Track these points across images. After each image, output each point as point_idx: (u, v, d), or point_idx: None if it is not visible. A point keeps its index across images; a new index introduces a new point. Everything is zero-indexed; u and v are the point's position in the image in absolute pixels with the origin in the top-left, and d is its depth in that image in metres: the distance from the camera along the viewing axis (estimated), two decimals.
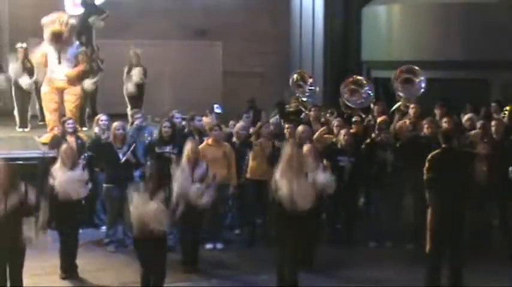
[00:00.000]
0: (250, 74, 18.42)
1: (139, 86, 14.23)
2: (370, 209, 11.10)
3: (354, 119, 11.52)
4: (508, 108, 12.75)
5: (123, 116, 13.11)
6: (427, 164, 8.67)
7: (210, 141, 10.40)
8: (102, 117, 11.19)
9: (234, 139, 11.02)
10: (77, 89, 12.77)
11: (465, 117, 11.56)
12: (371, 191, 10.99)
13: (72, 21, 12.78)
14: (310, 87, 13.26)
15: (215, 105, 13.51)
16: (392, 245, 10.53)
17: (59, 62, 12.49)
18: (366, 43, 17.32)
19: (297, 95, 13.25)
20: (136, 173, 10.36)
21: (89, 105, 14.82)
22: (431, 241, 8.70)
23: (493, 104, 13.11)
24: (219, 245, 10.45)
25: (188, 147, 9.50)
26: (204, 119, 11.73)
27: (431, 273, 8.72)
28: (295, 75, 13.45)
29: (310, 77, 13.60)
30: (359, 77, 13.13)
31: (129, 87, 14.14)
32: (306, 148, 9.32)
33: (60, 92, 12.64)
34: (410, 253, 10.04)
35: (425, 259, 8.78)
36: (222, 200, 10.39)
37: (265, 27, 18.64)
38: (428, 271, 8.74)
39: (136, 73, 14.11)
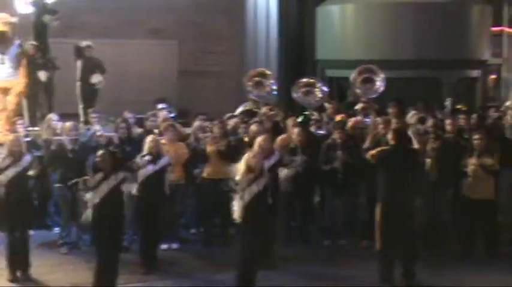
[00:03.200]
0: (206, 73, 18.38)
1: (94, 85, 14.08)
2: (324, 207, 11.17)
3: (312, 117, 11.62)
4: (459, 107, 12.99)
5: (75, 116, 12.97)
6: (374, 160, 8.87)
7: (164, 140, 10.37)
8: (53, 117, 11.07)
9: (191, 139, 11.04)
10: (19, 87, 12.60)
11: (409, 115, 11.74)
12: (325, 189, 11.05)
13: (14, 19, 12.63)
14: (272, 86, 13.19)
15: (160, 104, 13.40)
16: (347, 243, 10.61)
17: (2, 62, 12.36)
18: (320, 42, 17.42)
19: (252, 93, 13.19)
20: None
21: (45, 105, 14.57)
22: (380, 238, 8.82)
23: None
24: (174, 245, 10.42)
25: (149, 140, 9.58)
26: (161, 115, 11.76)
27: (384, 270, 8.84)
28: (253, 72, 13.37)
29: (270, 76, 13.49)
30: (310, 80, 13.09)
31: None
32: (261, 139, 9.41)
33: (4, 92, 12.49)
34: (364, 250, 10.13)
35: (377, 256, 8.89)
36: (177, 199, 10.38)
37: (221, 27, 18.62)
38: (381, 268, 8.86)
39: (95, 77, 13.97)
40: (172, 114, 12.41)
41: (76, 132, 10.30)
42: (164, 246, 10.23)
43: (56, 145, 10.34)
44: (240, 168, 8.29)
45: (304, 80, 12.82)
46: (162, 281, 9.15)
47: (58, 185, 10.17)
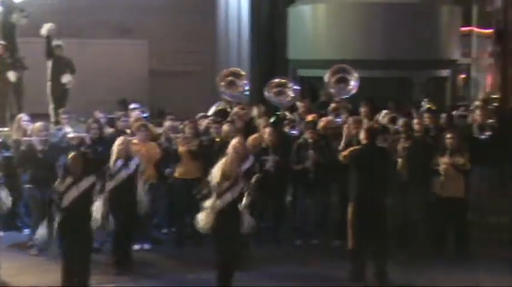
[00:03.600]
0: (177, 73, 18.29)
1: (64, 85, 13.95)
2: (296, 207, 11.18)
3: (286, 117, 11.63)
4: (428, 106, 13.08)
5: (45, 116, 12.85)
6: (347, 160, 8.91)
7: (135, 140, 10.31)
8: (23, 117, 10.96)
9: (163, 139, 11.00)
10: None
11: (382, 114, 11.80)
12: (297, 189, 11.07)
13: None
14: (245, 87, 13.13)
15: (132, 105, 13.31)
16: (319, 243, 10.64)
17: None
18: (292, 42, 17.43)
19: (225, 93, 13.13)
20: None
21: (14, 105, 14.40)
22: (352, 237, 8.86)
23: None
24: (146, 246, 10.37)
25: (118, 143, 9.54)
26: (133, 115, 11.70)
27: (356, 269, 8.88)
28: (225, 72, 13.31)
29: (243, 76, 13.43)
30: (282, 80, 13.04)
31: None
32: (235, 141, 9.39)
33: None
34: (336, 249, 10.16)
35: (349, 255, 8.93)
36: (149, 199, 10.34)
37: (192, 26, 18.53)
38: (353, 267, 8.90)
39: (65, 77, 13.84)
40: (145, 114, 12.32)
41: (46, 133, 10.19)
42: (136, 247, 10.18)
43: (25, 145, 10.23)
44: (215, 175, 8.25)
45: (276, 80, 12.80)
46: (134, 281, 9.11)
47: (28, 185, 10.06)
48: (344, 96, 12.32)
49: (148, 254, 10.15)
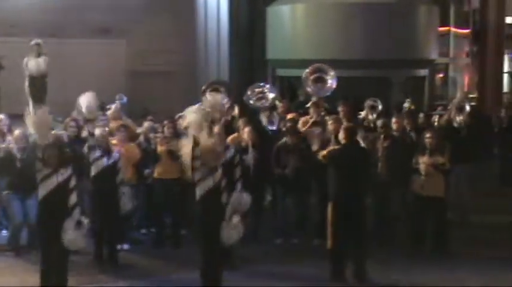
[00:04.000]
0: (155, 73, 18.24)
1: (42, 79, 13.83)
2: (276, 206, 11.19)
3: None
4: (407, 105, 13.17)
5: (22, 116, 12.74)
6: (326, 159, 8.94)
7: (114, 141, 10.25)
8: (2, 118, 10.87)
9: (141, 139, 10.95)
10: None
11: (362, 114, 11.85)
12: (277, 188, 11.08)
13: None
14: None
15: (118, 96, 13.26)
16: (298, 242, 10.65)
17: None
18: (271, 42, 17.46)
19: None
20: None
21: None
22: (332, 236, 8.87)
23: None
24: (125, 246, 10.31)
25: (98, 133, 9.51)
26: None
27: (336, 268, 8.89)
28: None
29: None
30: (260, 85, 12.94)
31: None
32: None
33: None
34: (316, 248, 10.18)
35: (329, 254, 8.94)
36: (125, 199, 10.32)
37: (170, 26, 18.50)
38: (333, 266, 8.91)
39: (40, 62, 13.72)
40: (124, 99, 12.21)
41: (25, 141, 10.05)
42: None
43: (3, 152, 10.10)
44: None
45: (256, 89, 12.64)
46: (113, 282, 9.05)
47: (6, 192, 9.98)
48: (322, 96, 12.32)
49: (128, 255, 10.09)
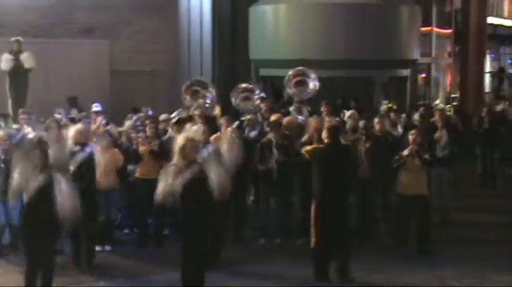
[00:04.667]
0: (139, 72, 18.20)
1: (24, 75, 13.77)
2: (259, 206, 11.21)
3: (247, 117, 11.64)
4: (387, 103, 13.22)
5: (3, 116, 12.71)
6: (309, 155, 8.99)
7: (98, 148, 10.17)
8: None
9: (123, 139, 10.93)
10: None
11: (347, 114, 11.90)
12: (260, 188, 11.10)
13: None
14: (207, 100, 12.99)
15: (94, 104, 13.20)
16: (282, 242, 10.67)
17: None
18: (254, 42, 17.48)
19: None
20: None
21: None
22: (315, 235, 8.90)
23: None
24: (107, 247, 10.29)
25: (78, 129, 9.54)
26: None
27: (319, 267, 8.92)
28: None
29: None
30: (249, 85, 12.90)
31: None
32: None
33: None
34: (299, 248, 10.21)
35: (312, 253, 8.97)
36: (113, 205, 10.36)
37: (154, 26, 18.45)
38: (316, 265, 8.94)
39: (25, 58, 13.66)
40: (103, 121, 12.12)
41: (9, 142, 9.98)
42: (97, 248, 10.09)
43: None
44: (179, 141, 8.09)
45: (243, 85, 12.62)
46: (94, 282, 9.04)
47: None
48: (304, 98, 12.37)
49: (110, 256, 10.08)
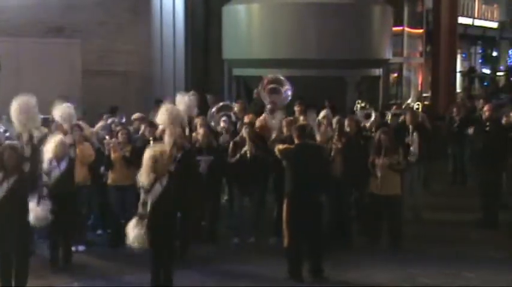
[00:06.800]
0: (111, 72, 18.09)
1: None
2: (233, 206, 11.22)
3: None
4: (359, 102, 13.28)
5: None
6: (281, 155, 9.06)
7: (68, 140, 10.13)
8: None
9: (94, 139, 10.87)
10: None
11: (321, 114, 11.93)
12: (233, 188, 11.10)
13: None
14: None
15: (66, 104, 13.08)
16: (255, 241, 10.69)
17: None
18: (227, 42, 17.46)
19: None
20: None
21: None
22: (288, 235, 8.93)
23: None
24: (80, 248, 10.23)
25: (58, 142, 9.41)
26: None
27: (292, 266, 8.94)
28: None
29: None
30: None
31: None
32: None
33: None
34: (272, 247, 10.23)
35: (285, 253, 8.99)
36: (83, 200, 10.25)
37: (126, 25, 18.36)
38: (289, 264, 8.96)
39: None
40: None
41: None
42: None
43: None
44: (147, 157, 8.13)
45: (221, 104, 12.54)
46: (68, 283, 8.98)
47: None
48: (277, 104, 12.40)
49: (83, 256, 10.02)
